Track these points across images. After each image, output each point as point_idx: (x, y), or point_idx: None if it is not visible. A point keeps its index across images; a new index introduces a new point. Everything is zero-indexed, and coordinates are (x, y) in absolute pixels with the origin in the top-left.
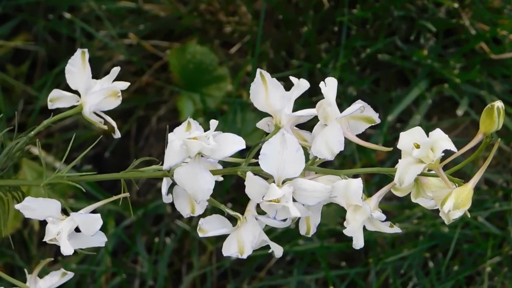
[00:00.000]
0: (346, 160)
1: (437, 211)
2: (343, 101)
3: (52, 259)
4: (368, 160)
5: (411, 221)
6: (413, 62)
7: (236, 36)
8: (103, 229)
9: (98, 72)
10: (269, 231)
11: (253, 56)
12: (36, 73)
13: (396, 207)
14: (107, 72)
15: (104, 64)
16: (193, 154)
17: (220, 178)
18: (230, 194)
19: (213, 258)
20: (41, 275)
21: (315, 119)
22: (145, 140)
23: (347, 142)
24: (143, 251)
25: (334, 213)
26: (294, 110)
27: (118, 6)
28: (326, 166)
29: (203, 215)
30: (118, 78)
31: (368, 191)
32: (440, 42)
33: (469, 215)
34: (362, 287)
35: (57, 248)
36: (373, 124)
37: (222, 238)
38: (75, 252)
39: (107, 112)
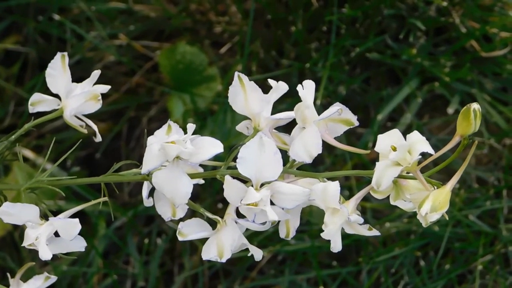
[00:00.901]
0: (338, 159)
1: None
2: (333, 100)
3: (34, 263)
4: (359, 159)
5: (402, 219)
6: (403, 61)
7: (226, 36)
8: (94, 230)
9: (88, 73)
10: (260, 231)
11: (243, 56)
12: (26, 75)
13: (387, 206)
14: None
15: (95, 65)
16: (171, 158)
17: (202, 181)
18: (220, 194)
19: None
20: (31, 277)
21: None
22: (136, 141)
23: (338, 141)
24: (134, 252)
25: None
26: (284, 110)
27: (108, 7)
28: (317, 164)
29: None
30: (108, 79)
31: (359, 190)
32: (431, 41)
33: (447, 218)
34: (354, 286)
35: None
36: (351, 127)
37: None
38: (66, 253)
39: (97, 113)
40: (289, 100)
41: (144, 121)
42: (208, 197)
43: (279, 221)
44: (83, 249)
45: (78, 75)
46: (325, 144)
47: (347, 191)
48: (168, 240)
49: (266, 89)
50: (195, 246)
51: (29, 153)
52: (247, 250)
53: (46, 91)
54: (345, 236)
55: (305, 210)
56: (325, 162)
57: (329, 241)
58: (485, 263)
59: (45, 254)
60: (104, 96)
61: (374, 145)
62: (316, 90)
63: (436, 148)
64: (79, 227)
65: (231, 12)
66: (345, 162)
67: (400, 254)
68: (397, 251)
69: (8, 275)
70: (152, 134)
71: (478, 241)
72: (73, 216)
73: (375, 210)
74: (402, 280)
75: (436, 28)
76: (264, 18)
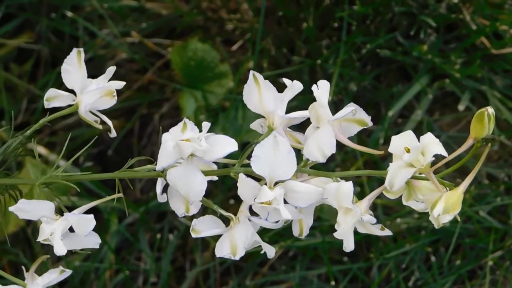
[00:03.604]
0: (348, 156)
1: None
2: (344, 97)
3: (49, 256)
4: (370, 157)
5: (413, 215)
6: (414, 58)
7: (238, 33)
8: (106, 226)
9: (100, 70)
10: None
11: (254, 53)
12: (39, 72)
13: (398, 202)
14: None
15: (107, 63)
16: (185, 155)
17: (215, 178)
18: (232, 191)
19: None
20: (44, 272)
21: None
22: (148, 138)
23: (348, 139)
24: (146, 248)
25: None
26: (295, 107)
27: (120, 5)
28: (328, 161)
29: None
30: (120, 77)
31: (370, 187)
32: (441, 38)
33: (459, 219)
34: (364, 282)
35: None
36: (365, 127)
37: None
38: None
39: (110, 110)
40: (301, 97)
41: (156, 118)
42: (220, 193)
43: (291, 221)
44: (97, 246)
45: (91, 73)
46: (336, 142)
47: (358, 187)
48: (179, 236)
49: (277, 86)
50: (207, 242)
51: (42, 150)
52: (258, 246)
53: (59, 88)
54: (356, 232)
55: (316, 207)
56: (336, 159)
57: None
58: (495, 259)
59: (60, 249)
60: (116, 93)
61: (385, 142)
62: None
63: (446, 145)
64: (93, 223)
65: (243, 10)
66: (355, 159)
67: (411, 250)
68: (407, 247)
69: (23, 268)
70: (166, 131)
71: (488, 237)
72: (87, 212)
73: (386, 207)
74: (412, 276)
75: (447, 25)
76: (275, 15)
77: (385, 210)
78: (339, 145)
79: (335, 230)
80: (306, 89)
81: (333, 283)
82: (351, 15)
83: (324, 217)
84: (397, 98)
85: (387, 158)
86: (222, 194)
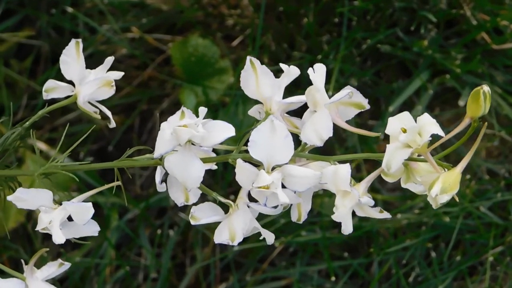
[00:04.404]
0: (349, 152)
1: None
2: None
3: (48, 249)
4: (370, 151)
5: (413, 211)
6: (414, 53)
7: (238, 29)
8: (107, 222)
9: None
10: (272, 222)
11: (254, 49)
12: (39, 68)
13: (398, 198)
14: (111, 67)
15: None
16: (183, 141)
17: (214, 167)
18: (232, 187)
19: (216, 250)
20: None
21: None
22: (148, 134)
23: (350, 133)
24: (146, 243)
25: None
26: None
27: (120, 0)
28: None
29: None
30: (114, 71)
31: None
32: (441, 33)
33: (457, 199)
34: (365, 278)
35: None
36: (362, 110)
37: None
38: (79, 245)
39: (110, 106)
40: (300, 92)
41: (156, 114)
42: (220, 189)
43: (290, 206)
44: (96, 234)
45: (91, 68)
46: (336, 136)
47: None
48: (180, 232)
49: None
50: (207, 238)
51: (42, 146)
52: (259, 241)
53: None
54: (356, 227)
55: (316, 202)
56: (336, 154)
57: (340, 232)
58: (495, 255)
59: (59, 238)
60: (116, 89)
61: (385, 138)
62: (327, 82)
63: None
64: (92, 211)
65: (243, 5)
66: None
67: (411, 245)
68: (408, 243)
69: (23, 261)
70: (161, 124)
71: (489, 233)
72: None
73: (386, 202)
74: (413, 271)
75: (447, 21)
76: (276, 11)
77: (386, 205)
78: (340, 139)
79: (335, 226)
80: (304, 83)
81: (333, 279)
82: (352, 11)
83: (324, 212)
84: (397, 93)
85: None
86: (222, 190)
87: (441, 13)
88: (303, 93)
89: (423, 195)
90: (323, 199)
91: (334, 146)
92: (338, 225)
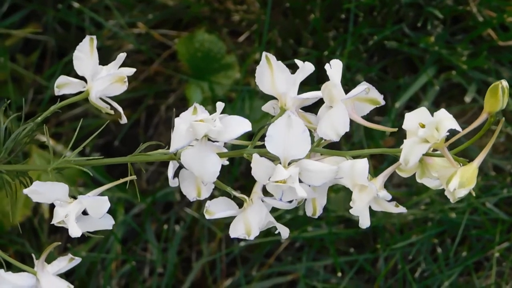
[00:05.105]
0: (355, 148)
1: (445, 197)
2: (351, 88)
3: (60, 243)
4: (376, 147)
5: (419, 207)
6: (420, 49)
7: (244, 24)
8: (113, 216)
9: (107, 61)
10: (278, 217)
11: (261, 45)
12: (45, 63)
13: (404, 194)
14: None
15: (113, 54)
16: (199, 136)
17: (226, 162)
18: (239, 182)
19: (222, 245)
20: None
21: (321, 105)
22: (155, 129)
23: (356, 129)
24: (152, 238)
25: (343, 200)
26: None
27: None
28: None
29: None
30: (126, 67)
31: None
32: (448, 29)
33: (473, 194)
34: (371, 273)
35: (67, 235)
36: (377, 106)
37: None
38: (85, 239)
39: (116, 101)
40: (307, 89)
41: (162, 109)
42: (227, 184)
43: (304, 201)
44: (111, 227)
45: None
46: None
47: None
48: (186, 227)
49: None
50: (213, 232)
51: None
52: (265, 236)
53: None
54: None
55: None
56: (342, 149)
57: (346, 227)
58: (501, 251)
59: (75, 231)
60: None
61: (391, 133)
62: None
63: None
64: (108, 205)
65: (249, 1)
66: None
67: (417, 241)
68: (414, 238)
69: (33, 256)
70: (171, 122)
71: (495, 229)
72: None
73: (392, 198)
74: (419, 267)
75: (453, 17)
76: (282, 7)
77: (392, 201)
78: (346, 135)
79: (342, 221)
80: (313, 79)
81: (339, 274)
82: (358, 6)
83: (331, 208)
84: (403, 89)
85: (393, 148)
86: (229, 184)
87: (448, 9)
88: (308, 89)
89: (430, 191)
90: (329, 195)
91: (340, 142)
92: (344, 220)
